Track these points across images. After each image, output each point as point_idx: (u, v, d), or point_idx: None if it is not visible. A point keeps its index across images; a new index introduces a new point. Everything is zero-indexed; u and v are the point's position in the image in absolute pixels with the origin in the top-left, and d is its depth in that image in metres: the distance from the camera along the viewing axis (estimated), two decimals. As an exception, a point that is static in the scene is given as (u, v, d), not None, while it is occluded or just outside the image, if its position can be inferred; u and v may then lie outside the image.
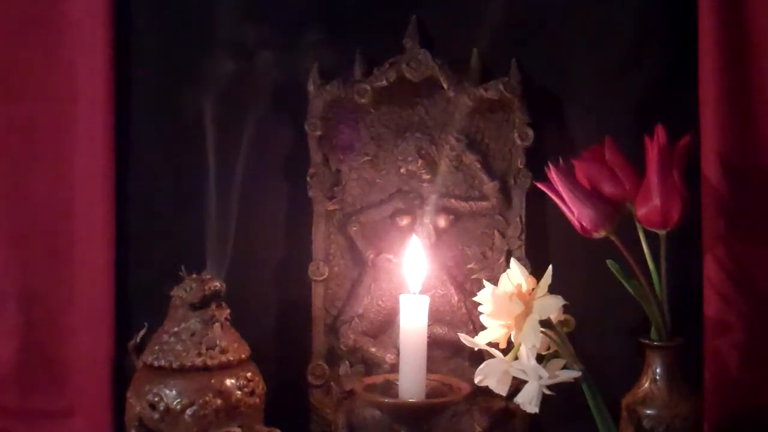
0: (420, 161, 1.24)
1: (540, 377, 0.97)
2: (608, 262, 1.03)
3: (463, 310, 1.23)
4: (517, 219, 1.22)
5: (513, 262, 1.03)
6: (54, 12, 1.26)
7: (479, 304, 1.02)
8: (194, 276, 1.14)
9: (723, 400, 1.14)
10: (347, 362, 1.25)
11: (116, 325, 1.27)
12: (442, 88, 1.22)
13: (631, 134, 1.10)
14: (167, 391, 1.10)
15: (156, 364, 1.11)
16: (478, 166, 1.24)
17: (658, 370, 1.05)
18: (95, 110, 1.25)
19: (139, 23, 1.29)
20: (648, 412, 1.05)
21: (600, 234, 1.05)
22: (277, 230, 1.28)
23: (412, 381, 1.05)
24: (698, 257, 1.15)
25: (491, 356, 1.03)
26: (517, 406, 1.01)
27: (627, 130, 1.15)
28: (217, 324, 1.12)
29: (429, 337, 1.09)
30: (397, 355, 1.17)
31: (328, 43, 1.25)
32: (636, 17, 1.21)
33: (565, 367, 1.00)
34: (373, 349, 1.25)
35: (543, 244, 1.23)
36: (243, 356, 1.14)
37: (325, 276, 1.25)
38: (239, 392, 1.11)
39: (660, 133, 1.04)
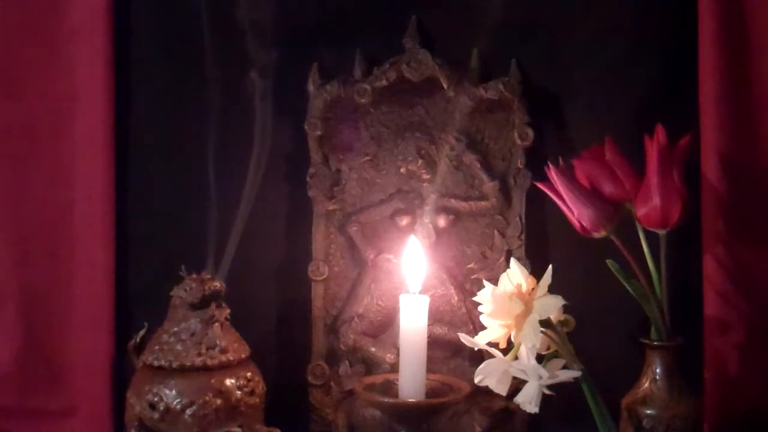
0: (420, 161, 1.24)
1: (540, 377, 0.97)
2: (608, 262, 1.03)
3: (463, 310, 1.23)
4: (517, 219, 1.22)
5: (513, 262, 1.03)
6: (54, 12, 1.26)
7: (479, 304, 1.02)
8: (194, 276, 1.14)
9: (723, 400, 1.14)
10: (347, 362, 1.25)
11: (116, 325, 1.27)
12: (442, 88, 1.22)
13: (631, 134, 1.10)
14: (167, 391, 1.10)
15: (156, 364, 1.11)
16: (478, 166, 1.24)
17: (658, 370, 1.05)
18: (95, 110, 1.25)
19: (139, 23, 1.29)
20: (648, 412, 1.05)
21: (600, 234, 1.05)
22: (277, 230, 1.28)
23: (412, 381, 1.05)
24: (698, 257, 1.15)
25: (491, 356, 1.03)
26: (517, 406, 1.00)
27: (627, 130, 1.15)
28: (217, 324, 1.12)
29: (429, 337, 1.09)
30: (397, 355, 1.17)
31: (328, 43, 1.25)
32: (636, 17, 1.21)
33: (565, 367, 1.00)
34: (373, 349, 1.25)
35: (543, 244, 1.23)
36: (243, 356, 1.14)
37: (325, 276, 1.25)
38: (239, 392, 1.11)
39: (660, 133, 1.04)
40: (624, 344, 1.19)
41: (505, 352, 1.02)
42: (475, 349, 1.03)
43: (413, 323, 1.05)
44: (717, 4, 1.12)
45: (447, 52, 1.23)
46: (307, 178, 1.25)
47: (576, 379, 0.99)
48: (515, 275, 1.01)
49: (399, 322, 1.08)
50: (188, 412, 1.09)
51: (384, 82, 1.22)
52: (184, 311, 1.13)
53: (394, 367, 1.18)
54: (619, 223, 1.06)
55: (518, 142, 1.21)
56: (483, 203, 1.24)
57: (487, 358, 1.04)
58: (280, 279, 1.29)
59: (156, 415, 1.10)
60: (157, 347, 1.12)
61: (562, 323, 1.01)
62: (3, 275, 1.28)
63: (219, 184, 1.21)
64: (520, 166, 1.22)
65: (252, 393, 1.13)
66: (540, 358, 1.00)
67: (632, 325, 1.15)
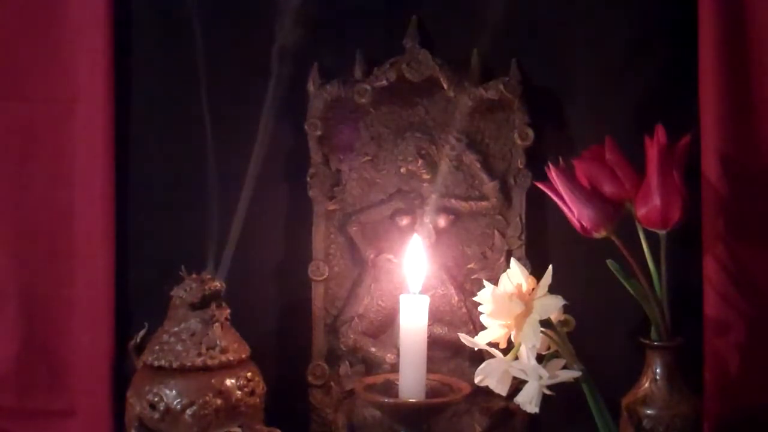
0: (420, 161, 1.24)
1: (540, 377, 0.97)
2: (608, 262, 1.03)
3: (463, 310, 1.23)
4: (517, 219, 1.22)
5: (513, 262, 1.03)
6: (54, 12, 1.26)
7: (479, 304, 1.02)
8: (194, 276, 1.14)
9: (723, 400, 1.14)
10: (347, 362, 1.25)
11: (116, 325, 1.27)
12: (442, 88, 1.22)
13: (631, 134, 1.10)
14: (167, 391, 1.10)
15: (156, 364, 1.11)
16: (478, 166, 1.24)
17: (658, 370, 1.05)
18: (95, 110, 1.25)
19: (139, 23, 1.29)
20: (648, 412, 1.04)
21: (600, 234, 1.05)
22: (277, 230, 1.28)
23: (412, 381, 1.05)
24: (698, 257, 1.15)
25: (491, 356, 1.03)
26: (517, 406, 1.01)
27: (627, 130, 1.15)
28: (217, 324, 1.12)
29: (429, 337, 1.09)
30: (397, 355, 1.17)
31: (328, 43, 1.25)
32: (636, 17, 1.21)
33: (565, 367, 1.00)
34: (373, 349, 1.25)
35: (543, 244, 1.23)
36: (243, 356, 1.14)
37: (325, 276, 1.25)
38: (239, 392, 1.11)
39: (660, 133, 1.04)
40: (624, 344, 1.19)
41: (505, 352, 1.02)
42: (475, 349, 1.03)
43: (413, 323, 1.05)
44: (717, 4, 1.12)
45: (447, 52, 1.23)
46: (307, 178, 1.25)
47: (576, 379, 0.99)
48: (515, 275, 1.01)
49: (399, 322, 1.08)
50: (188, 412, 1.09)
51: (384, 82, 1.22)
52: (184, 311, 1.13)
53: (394, 367, 1.18)
54: (619, 223, 1.06)
55: (518, 142, 1.21)
56: (483, 203, 1.24)
57: (487, 358, 1.04)
58: (280, 279, 1.29)
59: (156, 415, 1.10)
60: (157, 347, 1.12)
61: (562, 323, 1.01)
62: (3, 275, 1.28)
63: (219, 184, 1.21)
64: (520, 166, 1.21)
65: (252, 393, 1.13)
66: (540, 358, 1.00)
67: (632, 325, 1.15)
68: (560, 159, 1.08)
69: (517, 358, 0.99)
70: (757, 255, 1.14)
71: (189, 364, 1.10)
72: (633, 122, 1.18)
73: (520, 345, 0.99)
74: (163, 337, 1.13)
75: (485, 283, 1.03)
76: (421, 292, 1.08)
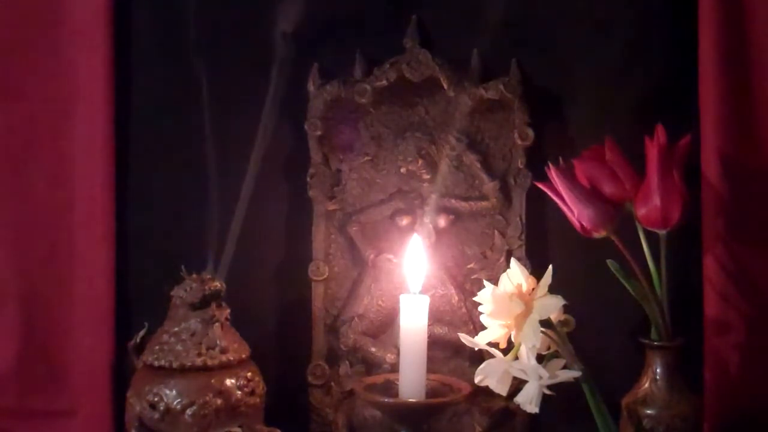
0: (420, 161, 1.24)
1: (540, 377, 0.97)
2: (608, 262, 1.03)
3: (463, 310, 1.23)
4: (517, 219, 1.22)
5: (513, 262, 1.03)
6: (54, 12, 1.26)
7: (479, 304, 1.02)
8: (194, 276, 1.14)
9: (723, 400, 1.14)
10: (347, 362, 1.25)
11: (116, 325, 1.27)
12: (442, 88, 1.22)
13: (631, 134, 1.10)
14: (167, 391, 1.10)
15: (156, 364, 1.11)
16: (478, 166, 1.24)
17: (658, 370, 1.05)
18: (95, 110, 1.25)
19: (139, 23, 1.29)
20: (648, 412, 1.04)
21: (600, 234, 1.05)
22: (277, 230, 1.28)
23: (412, 381, 1.05)
24: (698, 257, 1.15)
25: (491, 356, 1.03)
26: (517, 406, 1.01)
27: (627, 130, 1.15)
28: (217, 324, 1.12)
29: (429, 337, 1.09)
30: (397, 355, 1.17)
31: (328, 43, 1.25)
32: (636, 17, 1.21)
33: (565, 367, 1.00)
34: (373, 349, 1.25)
35: (543, 244, 1.23)
36: (243, 356, 1.14)
37: (325, 276, 1.25)
38: (239, 392, 1.11)
39: (660, 133, 1.04)
40: (624, 344, 1.19)
41: (505, 352, 1.02)
42: (475, 349, 1.04)
43: (413, 323, 1.05)
44: (717, 4, 1.12)
45: (447, 52, 1.23)
46: (307, 178, 1.25)
47: (576, 379, 1.00)
48: (515, 275, 1.01)
49: (399, 322, 1.08)
50: (188, 412, 1.09)
51: (384, 82, 1.22)
52: (184, 311, 1.13)
53: (394, 367, 1.18)
54: (619, 223, 1.06)
55: (518, 142, 1.21)
56: (483, 203, 1.24)
57: (487, 358, 1.04)
58: (280, 279, 1.29)
59: (156, 415, 1.10)
60: (157, 347, 1.12)
61: (562, 323, 1.01)
62: (3, 275, 1.28)
63: (219, 184, 1.21)
64: (521, 166, 1.21)
65: (252, 393, 1.13)
66: (540, 358, 1.00)
67: (632, 325, 1.15)
68: (560, 159, 1.08)
69: (517, 358, 1.00)
70: (757, 255, 1.14)
71: (189, 364, 1.10)
72: (633, 122, 1.18)
73: (520, 345, 0.99)
74: (163, 337, 1.13)
75: (485, 283, 1.03)
76: (421, 292, 1.08)
